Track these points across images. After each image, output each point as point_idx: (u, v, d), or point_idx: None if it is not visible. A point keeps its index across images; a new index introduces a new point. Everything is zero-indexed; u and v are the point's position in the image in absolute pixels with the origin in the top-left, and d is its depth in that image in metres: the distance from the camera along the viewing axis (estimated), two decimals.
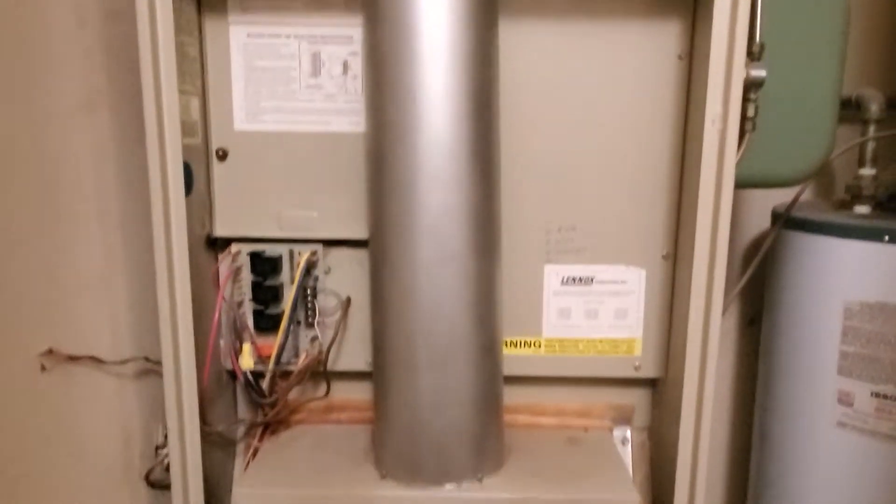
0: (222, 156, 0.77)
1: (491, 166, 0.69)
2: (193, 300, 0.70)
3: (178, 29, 0.68)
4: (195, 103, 0.73)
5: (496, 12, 0.68)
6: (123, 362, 0.68)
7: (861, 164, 1.04)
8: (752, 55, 0.70)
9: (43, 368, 0.58)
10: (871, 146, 1.02)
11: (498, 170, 0.70)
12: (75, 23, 0.62)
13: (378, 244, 0.70)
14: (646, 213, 0.78)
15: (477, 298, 0.69)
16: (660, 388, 0.83)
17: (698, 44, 0.73)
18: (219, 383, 0.80)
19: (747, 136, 0.73)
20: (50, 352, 0.60)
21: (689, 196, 0.73)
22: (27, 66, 0.56)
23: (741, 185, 0.74)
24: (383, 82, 0.66)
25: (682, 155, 0.76)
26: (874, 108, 1.03)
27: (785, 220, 0.99)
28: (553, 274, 0.79)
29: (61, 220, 0.60)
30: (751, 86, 0.70)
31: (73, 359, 0.62)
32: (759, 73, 0.70)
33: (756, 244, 1.21)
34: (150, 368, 0.73)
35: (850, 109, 1.04)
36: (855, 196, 1.05)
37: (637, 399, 0.85)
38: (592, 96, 0.75)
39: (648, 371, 0.81)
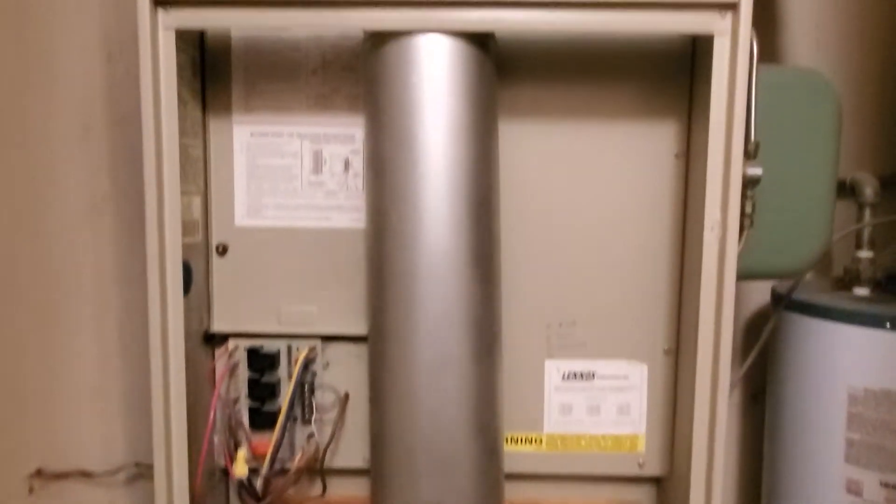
0: (222, 251, 0.77)
1: (491, 270, 0.69)
2: (188, 398, 0.69)
3: (183, 132, 0.69)
4: (197, 202, 0.74)
5: (496, 117, 0.70)
6: (114, 472, 0.66)
7: (858, 246, 1.05)
8: (748, 154, 0.71)
9: (31, 490, 0.56)
10: (867, 229, 1.03)
11: (499, 273, 0.70)
12: (81, 130, 0.62)
13: (377, 345, 0.70)
14: (646, 308, 0.77)
15: (478, 404, 0.68)
16: (665, 486, 0.81)
17: (694, 143, 0.74)
18: (211, 481, 0.78)
19: (745, 233, 0.74)
20: (38, 472, 0.59)
21: (690, 291, 0.73)
22: (32, 174, 0.57)
23: (740, 277, 0.74)
24: (384, 187, 0.66)
25: (682, 250, 0.77)
26: (868, 192, 1.04)
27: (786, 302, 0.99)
28: (554, 369, 0.78)
29: (59, 327, 0.60)
30: (748, 184, 0.71)
31: (62, 476, 0.60)
32: (755, 171, 0.71)
33: (756, 320, 1.21)
34: (141, 473, 0.71)
35: (844, 191, 1.05)
36: (854, 278, 1.05)
37: (642, 497, 0.83)
38: (591, 194, 0.76)
39: (653, 468, 0.80)
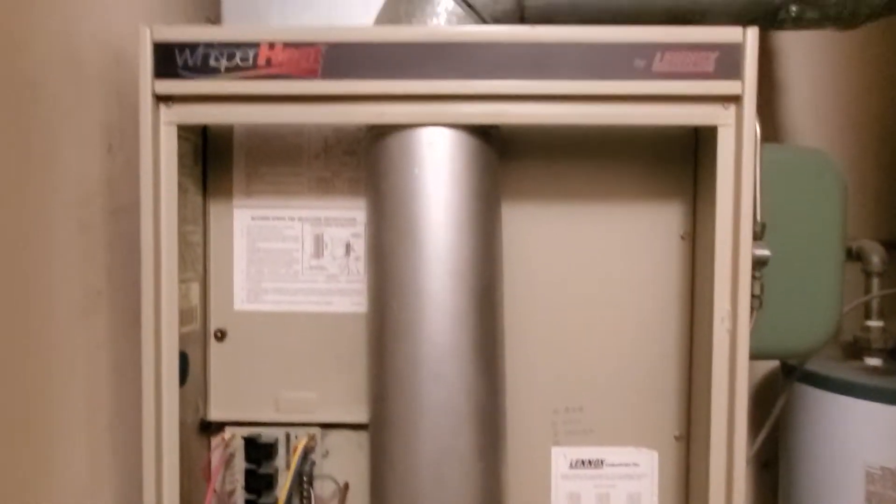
0: (220, 336, 0.75)
1: (495, 361, 0.67)
2: (182, 493, 0.66)
3: (183, 221, 0.68)
4: (195, 288, 0.72)
5: (498, 205, 0.69)
6: None
7: (867, 315, 1.04)
8: (755, 235, 0.70)
9: None
10: (876, 299, 1.02)
11: (503, 363, 0.69)
12: (77, 226, 0.61)
13: (378, 435, 0.68)
14: (656, 392, 0.75)
15: (483, 497, 0.66)
16: None
17: (700, 224, 0.73)
18: None
19: (754, 314, 0.72)
20: None
21: (700, 377, 0.71)
22: (24, 274, 0.55)
23: (750, 357, 0.72)
24: (385, 276, 0.65)
25: (690, 333, 0.75)
26: (876, 261, 1.03)
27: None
28: (561, 456, 0.76)
29: (49, 424, 0.58)
30: (755, 265, 0.70)
31: None
32: (762, 252, 0.70)
33: (765, 386, 1.19)
34: None
35: (850, 257, 1.04)
36: (864, 347, 1.03)
37: None
38: (596, 276, 0.75)
39: None
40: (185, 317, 0.69)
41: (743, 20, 0.63)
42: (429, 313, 0.64)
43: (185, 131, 0.67)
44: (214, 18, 0.84)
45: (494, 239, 0.68)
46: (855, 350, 1.05)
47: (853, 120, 1.13)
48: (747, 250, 0.64)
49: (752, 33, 0.60)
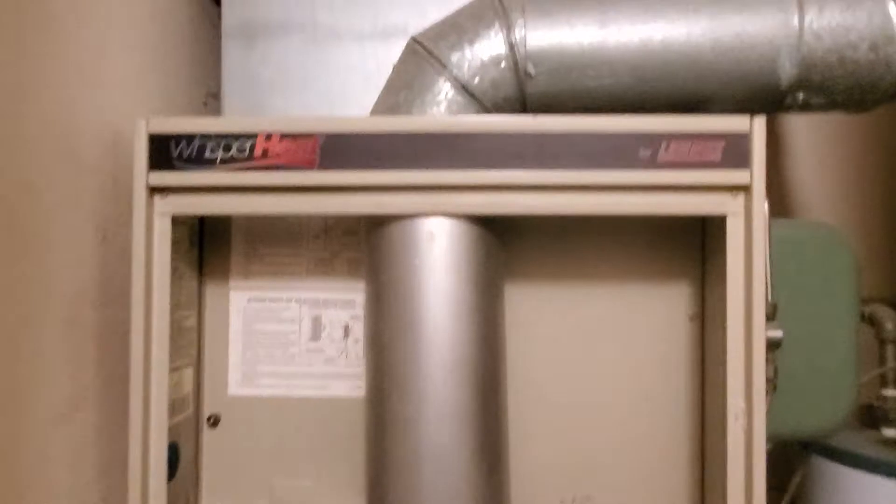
0: (214, 423, 0.72)
1: (499, 459, 0.64)
2: None
3: (177, 306, 0.66)
4: (189, 374, 0.70)
5: (502, 295, 0.67)
6: None
7: (884, 384, 1.00)
8: (767, 316, 0.68)
9: None
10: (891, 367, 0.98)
11: (507, 461, 0.66)
12: (67, 322, 0.60)
13: None
14: (667, 479, 0.72)
15: None
16: None
17: (709, 305, 0.71)
18: None
19: (768, 397, 0.70)
20: None
21: (714, 467, 0.68)
22: (9, 376, 0.53)
23: (766, 442, 0.70)
24: (384, 369, 0.63)
25: (702, 418, 0.72)
26: (890, 328, 1.00)
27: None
28: None
29: None
30: (768, 347, 0.68)
31: None
32: (775, 334, 0.68)
33: (778, 453, 1.15)
34: None
35: (862, 321, 1.01)
36: (881, 417, 1.00)
37: None
38: (603, 358, 0.72)
39: None
40: (176, 406, 0.67)
41: (748, 106, 0.62)
42: (429, 408, 0.61)
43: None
44: (216, 92, 0.84)
45: (497, 329, 0.65)
46: (871, 419, 1.02)
47: (860, 173, 1.11)
48: (761, 341, 0.62)
49: (760, 123, 0.59)
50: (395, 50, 0.74)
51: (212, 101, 0.86)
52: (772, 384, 0.71)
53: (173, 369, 0.65)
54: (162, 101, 0.77)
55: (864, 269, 0.89)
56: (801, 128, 1.09)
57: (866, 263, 1.08)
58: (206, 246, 0.73)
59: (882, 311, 1.02)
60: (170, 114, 0.79)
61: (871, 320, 1.03)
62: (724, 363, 0.63)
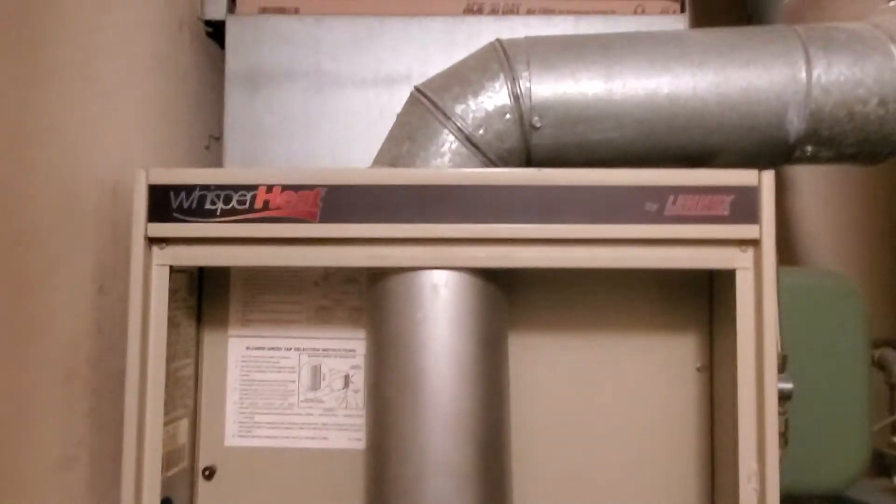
0: (209, 475, 0.70)
1: None
2: None
3: (174, 357, 0.65)
4: (184, 425, 0.68)
5: (506, 349, 0.66)
6: None
7: (894, 431, 0.98)
8: (777, 368, 0.66)
9: None
10: None
11: None
12: (62, 376, 0.58)
13: None
14: None
15: None
16: None
17: (718, 356, 0.69)
18: None
19: (780, 452, 0.68)
20: None
21: None
22: (3, 429, 0.52)
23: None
24: (385, 426, 0.61)
25: (711, 474, 0.70)
26: None
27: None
28: None
29: None
30: (779, 400, 0.66)
31: None
32: (785, 386, 0.66)
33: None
34: None
35: (871, 364, 0.99)
36: (892, 465, 0.97)
37: None
38: (609, 410, 0.70)
39: None
40: (171, 459, 0.65)
41: (756, 159, 0.61)
42: (431, 466, 0.59)
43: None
44: (218, 135, 0.83)
45: (502, 384, 0.64)
46: (881, 465, 0.99)
47: (864, 214, 1.11)
48: (773, 401, 0.60)
49: (768, 177, 0.58)
50: (398, 96, 0.74)
51: (214, 143, 0.86)
52: (783, 438, 0.70)
53: (168, 422, 0.64)
54: (164, 145, 0.76)
55: (871, 311, 0.88)
56: (802, 171, 1.09)
57: (873, 305, 1.07)
58: (205, 292, 0.72)
59: (892, 356, 1.00)
60: (171, 157, 0.78)
61: (880, 364, 1.01)
62: (735, 421, 0.62)
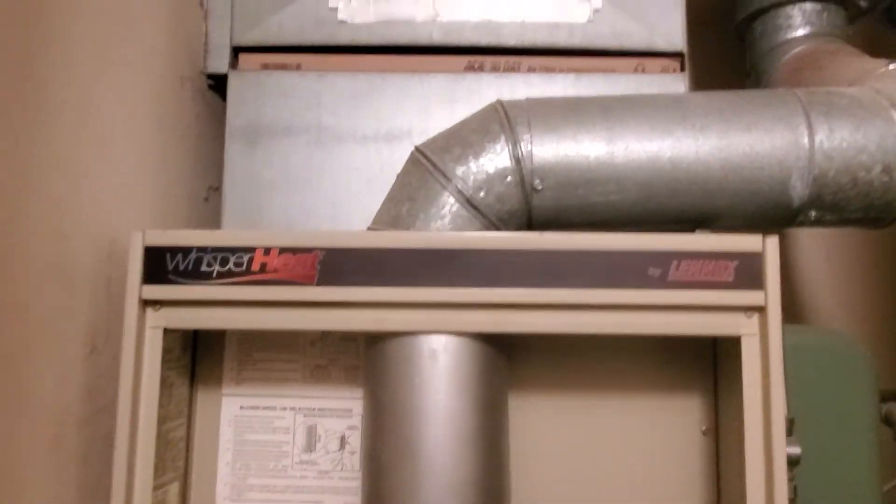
0: None
1: None
2: None
3: (166, 418, 0.63)
4: (174, 489, 0.66)
5: (506, 413, 0.64)
6: None
7: None
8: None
9: None
10: None
11: None
12: (49, 444, 0.56)
13: None
14: None
15: None
16: None
17: (723, 419, 0.68)
18: None
19: None
20: None
21: None
22: None
23: None
24: (383, 494, 0.59)
25: None
26: None
27: None
28: None
29: None
30: (788, 465, 0.64)
31: None
32: (793, 450, 0.64)
33: None
34: None
35: (880, 422, 0.97)
36: None
37: None
38: (612, 474, 0.68)
39: None
40: None
41: (759, 223, 0.60)
42: None
43: None
44: (217, 186, 0.83)
45: (502, 449, 0.62)
46: None
47: (865, 271, 1.10)
48: (782, 471, 0.58)
49: (773, 243, 0.57)
50: (399, 152, 0.74)
51: (213, 194, 0.85)
52: None
53: (158, 486, 0.62)
54: (162, 199, 0.76)
55: (877, 364, 0.86)
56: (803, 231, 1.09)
57: (880, 359, 1.06)
58: (200, 350, 0.70)
59: None
60: (169, 209, 0.78)
61: (887, 420, 0.99)
62: (742, 487, 0.60)
